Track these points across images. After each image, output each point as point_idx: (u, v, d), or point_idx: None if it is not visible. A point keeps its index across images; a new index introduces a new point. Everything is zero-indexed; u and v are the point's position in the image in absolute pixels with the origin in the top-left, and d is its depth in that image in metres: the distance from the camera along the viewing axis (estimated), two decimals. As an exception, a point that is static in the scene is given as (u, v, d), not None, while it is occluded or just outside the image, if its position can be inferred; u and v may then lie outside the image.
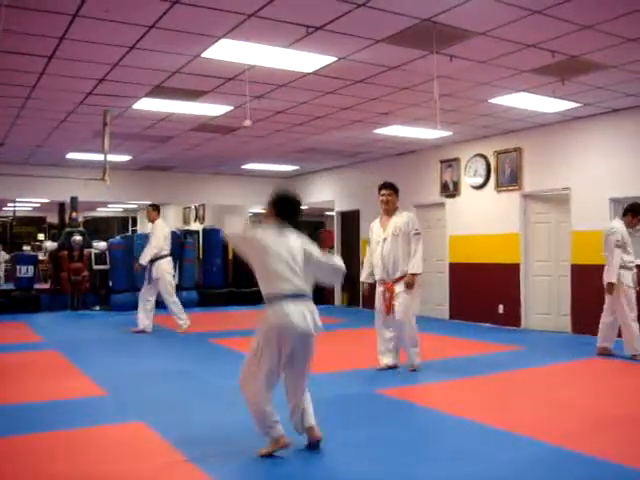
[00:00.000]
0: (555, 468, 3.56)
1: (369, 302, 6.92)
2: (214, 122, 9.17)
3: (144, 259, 9.13)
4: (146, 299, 9.23)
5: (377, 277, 6.38)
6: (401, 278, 6.22)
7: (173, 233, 10.69)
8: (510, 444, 4.01)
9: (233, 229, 4.41)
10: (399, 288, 6.20)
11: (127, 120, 8.89)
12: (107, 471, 3.49)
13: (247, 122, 6.93)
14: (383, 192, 6.40)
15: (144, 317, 9.19)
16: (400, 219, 6.32)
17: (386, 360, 6.33)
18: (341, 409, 4.96)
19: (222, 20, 5.13)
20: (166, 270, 9.24)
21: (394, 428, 4.39)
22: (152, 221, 9.45)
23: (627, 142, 8.35)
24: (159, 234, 9.26)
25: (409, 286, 6.19)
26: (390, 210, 6.40)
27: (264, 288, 3.79)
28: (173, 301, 9.27)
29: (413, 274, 6.20)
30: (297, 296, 3.72)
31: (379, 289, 6.37)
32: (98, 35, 5.46)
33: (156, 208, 9.57)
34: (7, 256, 13.41)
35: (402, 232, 6.24)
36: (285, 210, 3.91)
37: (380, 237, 6.35)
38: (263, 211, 4.08)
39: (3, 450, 3.87)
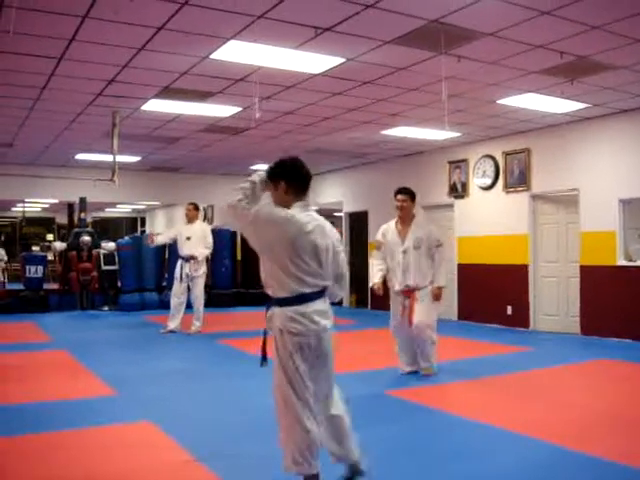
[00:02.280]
0: (564, 470, 3.55)
1: (382, 301, 6.83)
2: (222, 123, 9.19)
3: (201, 256, 9.18)
4: (180, 298, 9.16)
5: (395, 288, 6.10)
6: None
7: None
8: (519, 445, 3.99)
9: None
10: (420, 295, 6.00)
11: (136, 121, 8.93)
12: (116, 470, 3.51)
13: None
14: (398, 197, 6.01)
15: (177, 317, 9.16)
16: (420, 231, 6.02)
17: (408, 368, 6.20)
18: (350, 410, 4.95)
19: (231, 21, 5.14)
20: (205, 269, 9.32)
21: (402, 429, 4.38)
22: (191, 220, 9.35)
23: (636, 143, 8.30)
24: (210, 234, 9.37)
25: (436, 298, 6.08)
26: (406, 217, 6.06)
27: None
28: (202, 302, 9.24)
29: (439, 287, 6.07)
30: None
31: (397, 299, 6.13)
32: (107, 36, 5.49)
33: (197, 207, 9.53)
34: (5, 256, 13.60)
35: (424, 244, 5.98)
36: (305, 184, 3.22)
37: (399, 248, 6.02)
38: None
39: (13, 449, 3.89)
